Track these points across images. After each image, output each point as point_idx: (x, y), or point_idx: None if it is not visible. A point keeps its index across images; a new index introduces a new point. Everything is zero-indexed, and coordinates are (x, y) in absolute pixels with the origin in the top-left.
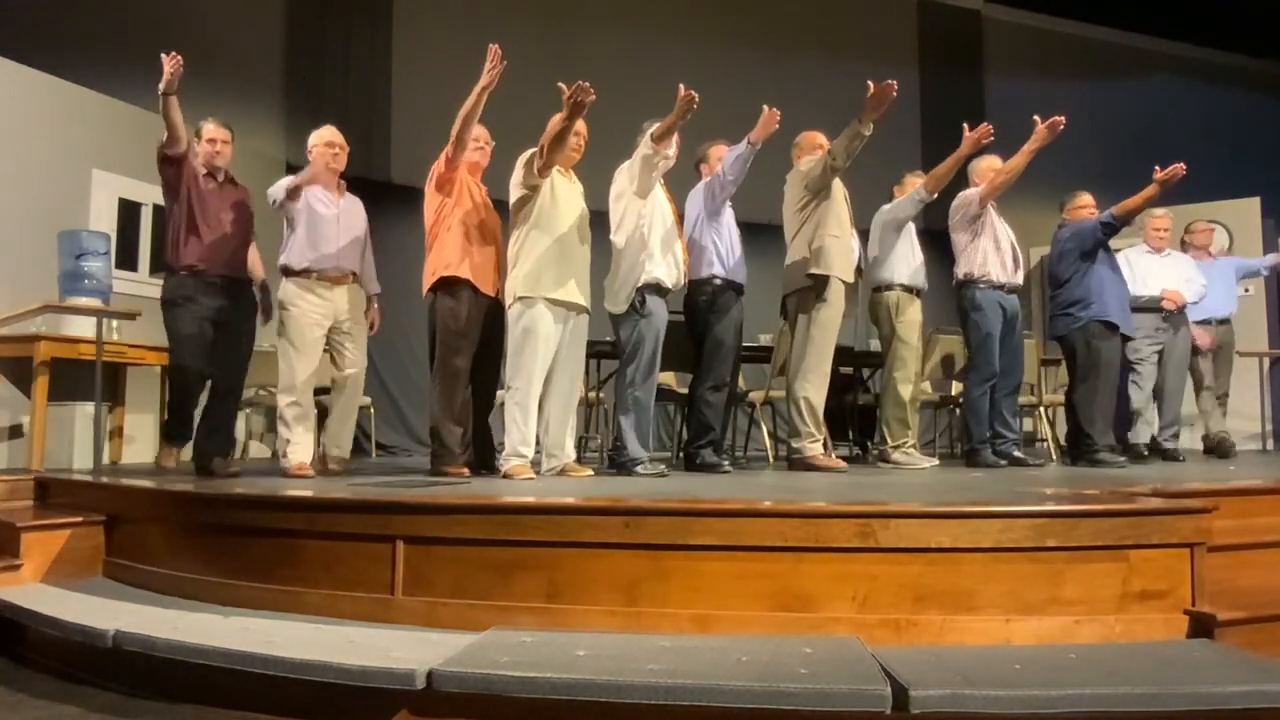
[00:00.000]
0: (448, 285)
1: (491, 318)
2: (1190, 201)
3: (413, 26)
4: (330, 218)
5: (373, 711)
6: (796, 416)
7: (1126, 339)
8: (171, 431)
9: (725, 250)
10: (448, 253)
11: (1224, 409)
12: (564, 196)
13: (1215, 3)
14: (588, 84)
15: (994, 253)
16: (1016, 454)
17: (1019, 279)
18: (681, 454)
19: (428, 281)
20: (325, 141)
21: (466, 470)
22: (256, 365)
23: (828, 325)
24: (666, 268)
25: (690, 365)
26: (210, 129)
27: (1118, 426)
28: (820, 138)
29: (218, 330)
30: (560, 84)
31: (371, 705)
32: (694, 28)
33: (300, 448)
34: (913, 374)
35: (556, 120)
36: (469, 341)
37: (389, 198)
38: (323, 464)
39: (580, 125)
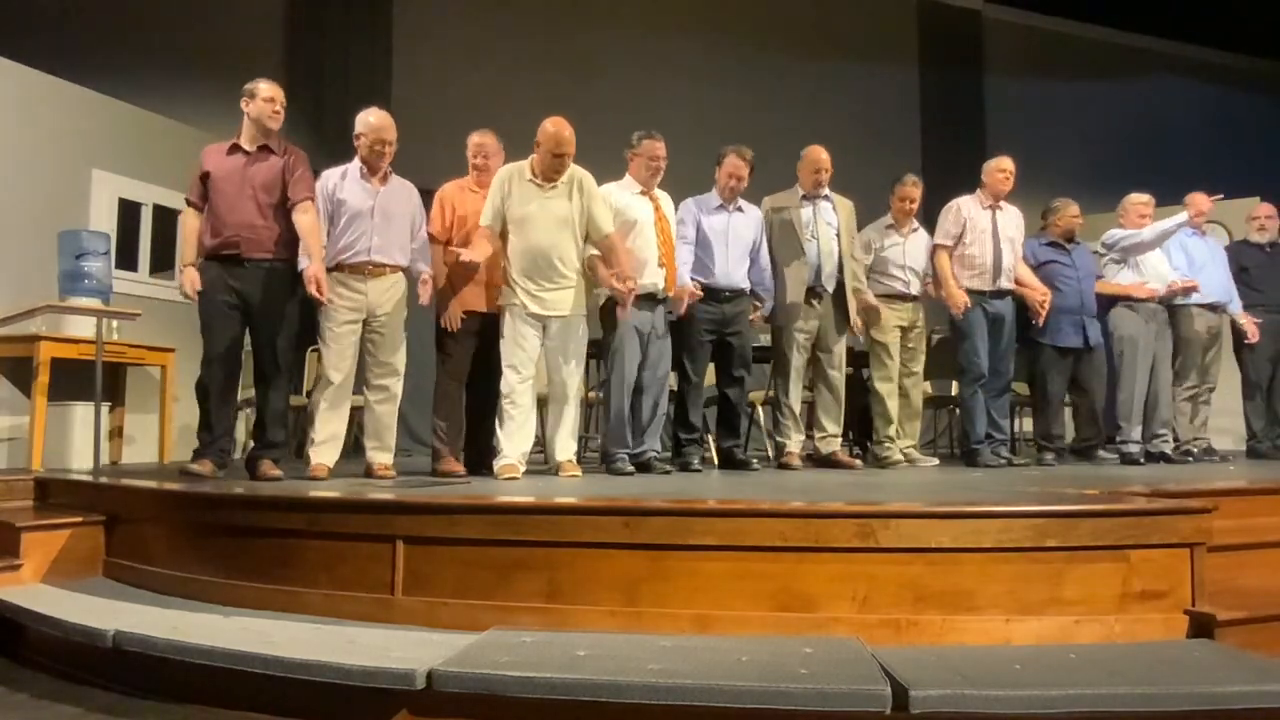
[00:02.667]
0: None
1: (493, 319)
2: None
3: (413, 27)
4: (364, 210)
5: (373, 711)
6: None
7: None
8: (199, 438)
9: (706, 257)
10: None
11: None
12: (539, 214)
13: (1215, 3)
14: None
15: (973, 261)
16: (1004, 454)
17: (1004, 284)
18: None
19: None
20: (379, 138)
21: (464, 469)
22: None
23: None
24: (638, 278)
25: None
26: (268, 88)
27: (1108, 428)
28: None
29: (248, 318)
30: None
31: (371, 705)
32: (693, 28)
33: (325, 448)
34: (892, 373)
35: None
36: (464, 345)
37: None
38: (369, 473)
39: (565, 146)
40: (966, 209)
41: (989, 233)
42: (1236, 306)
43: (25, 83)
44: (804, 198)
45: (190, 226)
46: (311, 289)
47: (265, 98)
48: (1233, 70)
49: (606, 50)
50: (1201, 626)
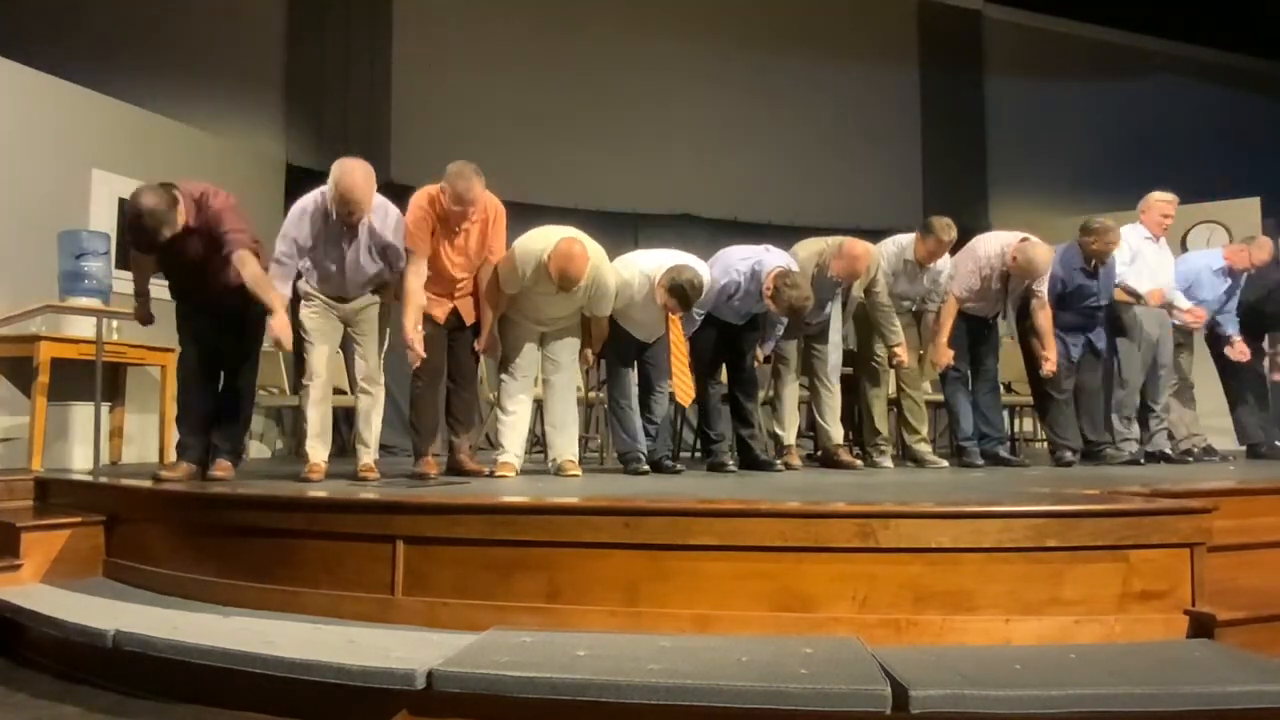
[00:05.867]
0: None
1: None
2: (1190, 202)
3: (413, 26)
4: (335, 270)
5: (373, 711)
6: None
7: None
8: (177, 444)
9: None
10: None
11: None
12: (547, 302)
13: (1215, 3)
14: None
15: (974, 293)
16: (1001, 452)
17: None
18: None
19: None
20: (339, 199)
21: (438, 471)
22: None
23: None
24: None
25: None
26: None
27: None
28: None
29: (217, 323)
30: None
31: (371, 705)
32: (693, 27)
33: (317, 445)
34: (880, 376)
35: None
36: (435, 346)
37: (388, 197)
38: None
39: (571, 280)
40: (985, 266)
41: (1001, 290)
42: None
43: (25, 83)
44: (839, 285)
45: (141, 261)
46: (279, 337)
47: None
48: (1233, 70)
49: (606, 51)
50: (1201, 626)
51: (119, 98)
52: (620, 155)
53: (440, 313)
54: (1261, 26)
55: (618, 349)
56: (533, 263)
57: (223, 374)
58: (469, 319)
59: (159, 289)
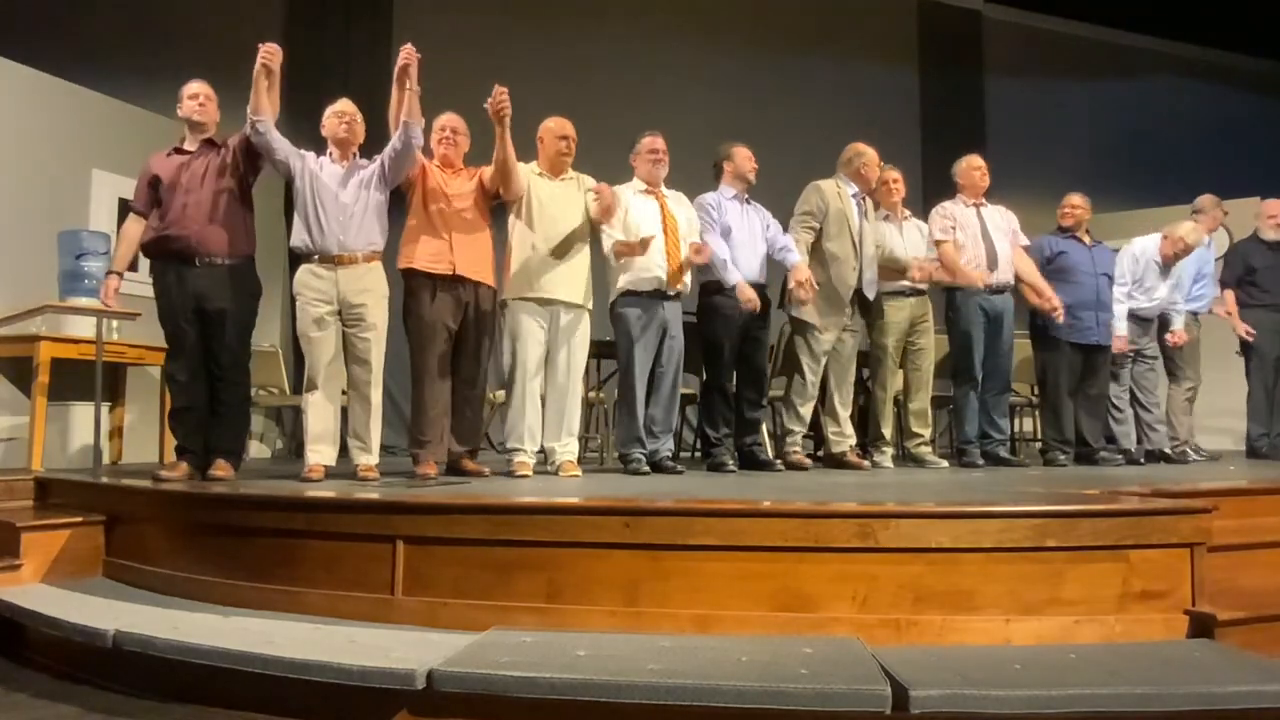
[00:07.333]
0: (405, 276)
1: (477, 309)
2: (1189, 201)
3: (413, 26)
4: (333, 196)
5: (373, 711)
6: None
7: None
8: (176, 440)
9: (732, 253)
10: (404, 244)
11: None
12: (552, 200)
13: (1215, 3)
14: (504, 92)
15: (970, 254)
16: (1003, 454)
17: (1000, 278)
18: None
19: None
20: (335, 112)
21: (437, 472)
22: (254, 364)
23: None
24: (641, 273)
25: (691, 367)
26: (191, 86)
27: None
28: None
29: (202, 316)
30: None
31: (371, 705)
32: (693, 27)
33: (319, 449)
34: (888, 375)
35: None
36: (436, 340)
37: (389, 199)
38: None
39: (568, 130)
40: (952, 209)
41: (978, 230)
42: (1205, 306)
43: (25, 83)
44: (855, 195)
45: (131, 234)
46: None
47: (189, 94)
48: (1233, 70)
49: (607, 51)
50: (1201, 626)
51: (119, 98)
52: (620, 155)
53: (439, 263)
54: (1260, 26)
55: (625, 344)
56: (525, 169)
57: (214, 376)
58: (475, 269)
59: (144, 286)
